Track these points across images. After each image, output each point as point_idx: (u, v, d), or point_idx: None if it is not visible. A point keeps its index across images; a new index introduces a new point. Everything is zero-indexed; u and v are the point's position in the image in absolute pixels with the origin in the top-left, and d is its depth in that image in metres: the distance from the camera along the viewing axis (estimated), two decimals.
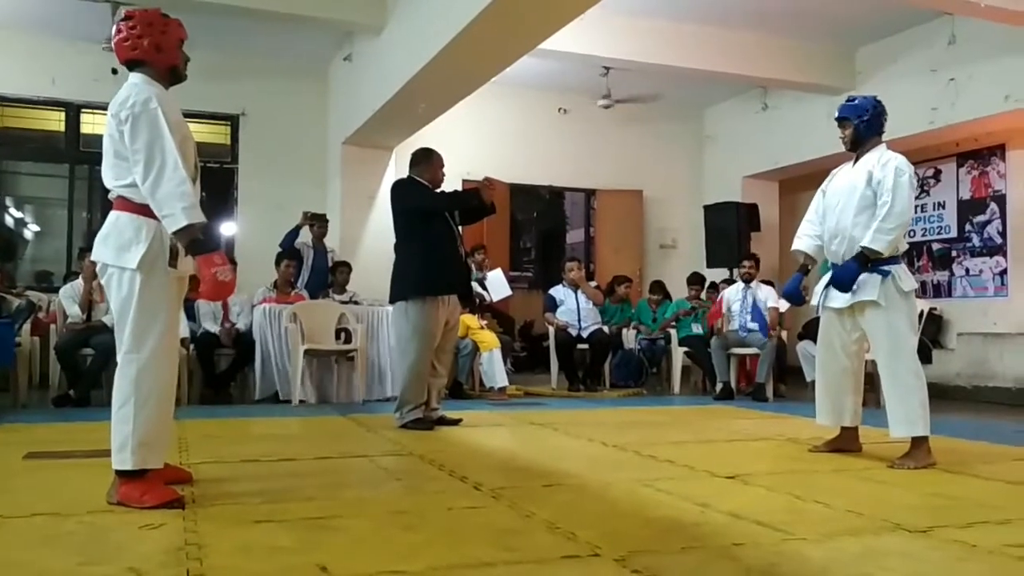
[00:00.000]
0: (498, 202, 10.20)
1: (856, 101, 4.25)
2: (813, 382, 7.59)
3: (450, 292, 5.25)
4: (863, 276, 4.04)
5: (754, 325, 7.95)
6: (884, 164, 4.05)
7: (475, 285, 7.82)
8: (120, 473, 2.90)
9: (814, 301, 4.38)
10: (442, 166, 5.42)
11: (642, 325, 8.99)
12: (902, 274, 4.05)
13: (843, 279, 4.04)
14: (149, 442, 2.89)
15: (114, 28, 3.11)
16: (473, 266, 8.37)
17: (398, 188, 5.46)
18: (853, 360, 4.28)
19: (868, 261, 3.99)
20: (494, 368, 7.53)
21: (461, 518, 2.87)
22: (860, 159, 4.19)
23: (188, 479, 3.33)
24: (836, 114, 4.27)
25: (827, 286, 4.24)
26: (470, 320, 7.67)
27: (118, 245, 2.92)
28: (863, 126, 4.17)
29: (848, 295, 4.10)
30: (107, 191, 3.03)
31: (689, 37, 8.61)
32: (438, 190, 5.42)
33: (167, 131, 2.88)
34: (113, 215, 2.99)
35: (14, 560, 2.33)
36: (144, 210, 2.92)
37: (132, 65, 3.07)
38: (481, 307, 8.12)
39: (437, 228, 5.23)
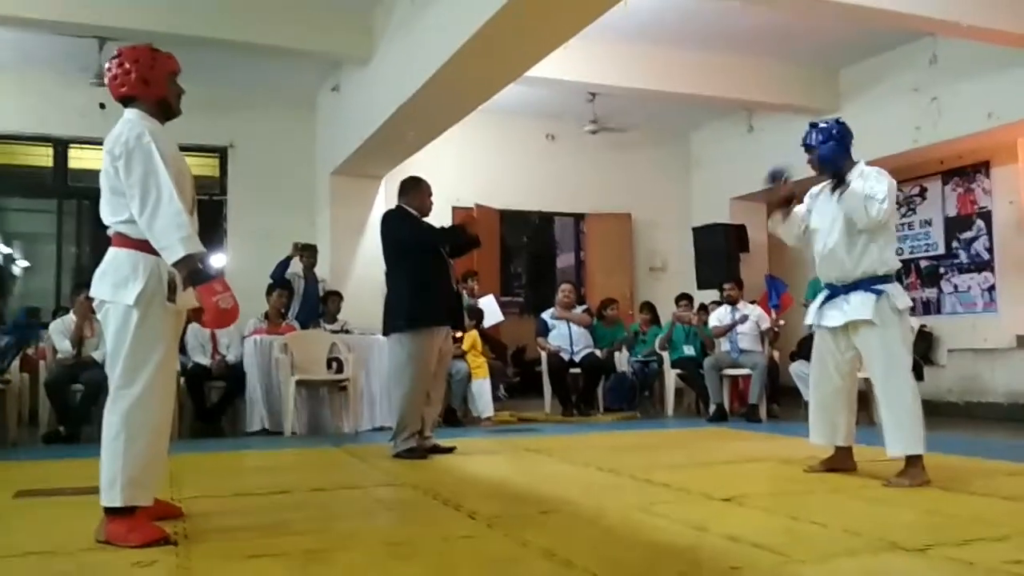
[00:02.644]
0: (488, 228, 10.34)
1: (818, 126, 4.29)
2: (805, 403, 7.63)
3: (442, 324, 5.24)
4: (857, 295, 4.07)
5: (745, 345, 7.97)
6: (866, 176, 4.10)
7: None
8: (108, 510, 2.87)
9: (808, 320, 4.40)
10: (430, 194, 5.44)
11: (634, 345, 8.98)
12: (896, 292, 4.07)
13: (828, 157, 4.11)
14: (138, 479, 2.86)
15: (106, 67, 3.13)
16: (465, 292, 8.37)
17: (387, 220, 5.46)
18: (846, 379, 4.28)
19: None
20: (474, 395, 7.58)
21: (456, 548, 2.85)
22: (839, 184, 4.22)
23: (178, 514, 3.29)
24: (802, 141, 4.33)
25: (821, 305, 4.26)
26: (475, 339, 7.68)
27: (115, 281, 2.92)
28: (825, 148, 4.21)
29: (842, 314, 4.12)
30: (96, 225, 3.03)
31: (673, 62, 8.68)
32: (426, 219, 5.43)
33: (161, 164, 2.88)
34: (111, 251, 2.99)
35: None
36: (142, 246, 2.92)
37: (125, 102, 3.09)
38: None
39: (427, 258, 5.23)
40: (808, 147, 4.28)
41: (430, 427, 5.37)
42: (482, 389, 7.58)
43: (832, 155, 4.21)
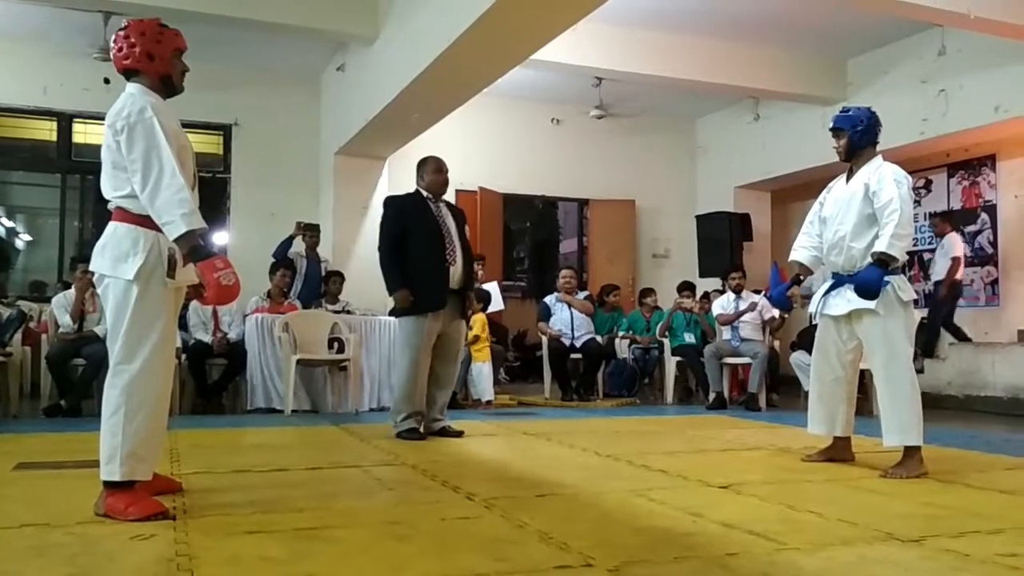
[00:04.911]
0: (491, 212, 10.33)
1: (850, 112, 4.27)
2: (805, 392, 7.63)
3: (433, 309, 5.17)
4: None
5: (747, 334, 7.96)
6: (881, 177, 4.05)
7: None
8: (107, 484, 2.88)
9: (811, 309, 4.39)
10: (439, 171, 5.37)
11: (637, 335, 8.97)
12: (902, 284, 4.05)
13: (870, 285, 3.95)
14: (138, 454, 2.87)
15: (112, 39, 3.12)
16: None
17: (384, 209, 5.50)
18: (847, 369, 4.28)
19: (887, 267, 3.96)
20: (474, 378, 7.59)
21: (454, 528, 2.86)
22: (856, 172, 4.20)
23: (178, 489, 3.31)
24: (831, 124, 4.29)
25: (825, 294, 4.25)
26: (484, 322, 7.69)
27: (115, 256, 2.92)
28: (857, 136, 4.18)
29: (846, 303, 4.10)
30: (100, 200, 3.03)
31: (681, 48, 8.65)
32: (442, 196, 5.42)
33: (163, 139, 2.87)
34: (111, 226, 2.98)
35: (3, 571, 2.31)
36: (142, 221, 2.92)
37: (128, 75, 3.07)
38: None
39: (421, 243, 5.21)
40: (837, 131, 4.23)
41: (439, 409, 5.37)
42: (483, 373, 7.59)
43: (861, 144, 4.18)
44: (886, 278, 4.00)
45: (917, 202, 9.71)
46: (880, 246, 3.96)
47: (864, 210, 4.07)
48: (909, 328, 4.11)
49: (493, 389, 7.66)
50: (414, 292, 5.15)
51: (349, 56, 8.66)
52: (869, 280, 3.96)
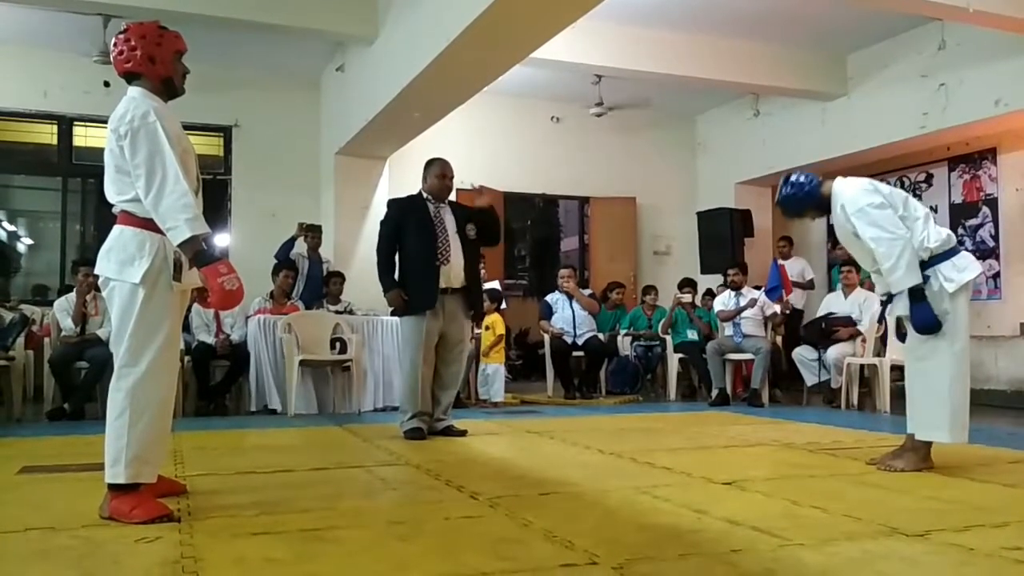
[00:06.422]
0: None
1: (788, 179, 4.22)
2: (808, 388, 7.66)
3: (424, 308, 5.16)
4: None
5: (748, 330, 7.95)
6: (847, 214, 3.94)
7: None
8: (112, 487, 2.89)
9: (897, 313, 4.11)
10: (442, 176, 5.35)
11: (639, 331, 8.96)
12: (947, 273, 3.83)
13: (924, 324, 3.80)
14: (143, 456, 2.88)
15: (112, 43, 3.12)
16: None
17: (385, 211, 5.54)
18: None
19: (918, 297, 3.79)
20: (492, 380, 7.57)
21: (458, 528, 2.86)
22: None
23: (182, 491, 3.32)
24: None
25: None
26: (500, 323, 7.66)
27: (121, 259, 2.92)
28: (793, 209, 4.20)
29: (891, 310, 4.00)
30: (101, 203, 3.04)
31: (681, 45, 8.64)
32: (447, 198, 5.43)
33: (167, 144, 2.88)
34: (116, 229, 2.99)
35: (9, 575, 2.32)
36: (147, 224, 2.92)
37: (129, 78, 3.07)
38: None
39: (414, 244, 5.24)
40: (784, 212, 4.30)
41: (443, 409, 5.37)
42: (498, 373, 7.57)
43: (791, 206, 4.20)
44: (927, 271, 3.84)
45: (918, 196, 9.69)
46: (892, 289, 3.88)
47: (847, 228, 3.98)
48: (957, 320, 3.84)
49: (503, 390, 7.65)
50: (407, 292, 5.18)
51: (348, 56, 8.66)
52: (919, 320, 3.81)
